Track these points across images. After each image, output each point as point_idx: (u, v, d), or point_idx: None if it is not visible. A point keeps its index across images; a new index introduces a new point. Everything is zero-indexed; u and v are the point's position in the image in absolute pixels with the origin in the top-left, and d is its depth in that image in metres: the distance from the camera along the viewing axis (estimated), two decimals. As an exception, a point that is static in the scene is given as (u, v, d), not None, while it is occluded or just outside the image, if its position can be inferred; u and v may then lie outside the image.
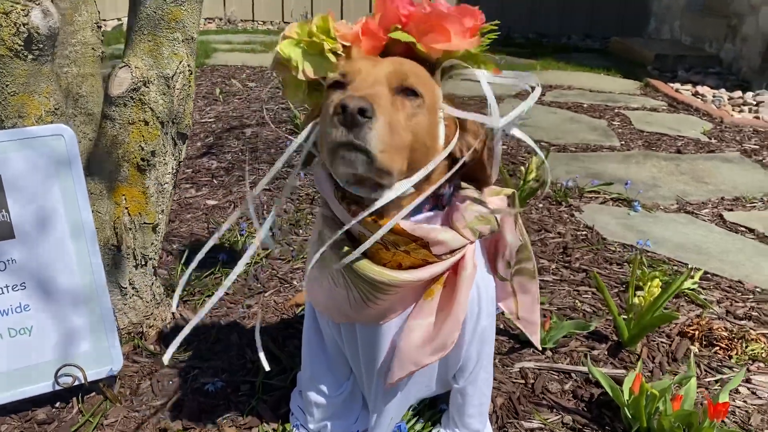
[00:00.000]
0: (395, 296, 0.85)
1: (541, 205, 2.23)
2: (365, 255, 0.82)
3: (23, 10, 1.03)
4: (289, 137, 2.68)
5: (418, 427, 1.08)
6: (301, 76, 0.82)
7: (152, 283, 1.34)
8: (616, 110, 3.72)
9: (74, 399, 1.16)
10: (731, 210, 2.31)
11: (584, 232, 2.03)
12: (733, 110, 3.85)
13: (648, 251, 1.90)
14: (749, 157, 2.95)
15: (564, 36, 6.68)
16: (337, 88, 0.79)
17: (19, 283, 1.09)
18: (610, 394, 1.15)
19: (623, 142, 3.10)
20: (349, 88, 0.76)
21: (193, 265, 0.90)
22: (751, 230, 2.14)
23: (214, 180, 2.25)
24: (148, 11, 1.15)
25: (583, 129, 3.30)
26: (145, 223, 1.25)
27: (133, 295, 1.30)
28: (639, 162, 2.81)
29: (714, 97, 4.17)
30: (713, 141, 3.20)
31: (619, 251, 1.91)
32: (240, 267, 0.85)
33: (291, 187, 0.85)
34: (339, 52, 0.81)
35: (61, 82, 1.25)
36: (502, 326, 1.47)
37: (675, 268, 1.82)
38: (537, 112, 3.56)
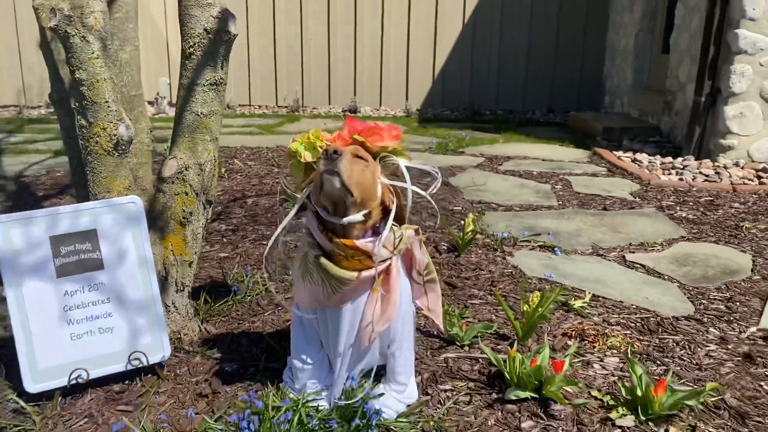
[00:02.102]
0: (351, 288, 1.45)
1: (480, 252, 2.84)
2: (333, 262, 1.42)
3: (114, 125, 1.66)
4: (283, 205, 3.31)
5: (367, 382, 1.65)
6: (302, 160, 1.45)
7: (187, 304, 1.93)
8: (560, 176, 4.39)
9: (137, 378, 1.73)
10: (633, 252, 2.92)
11: (510, 270, 2.63)
12: (662, 174, 4.51)
13: (555, 282, 2.50)
14: (663, 212, 3.58)
15: (529, 111, 7.46)
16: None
17: (105, 298, 1.69)
18: (495, 362, 1.73)
19: (560, 203, 3.74)
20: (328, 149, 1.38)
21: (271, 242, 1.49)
22: (644, 266, 2.74)
23: (224, 239, 2.86)
24: (188, 122, 1.79)
25: (529, 192, 3.95)
26: (184, 260, 1.85)
27: (173, 311, 1.88)
28: (569, 218, 3.44)
29: (649, 162, 4.85)
30: (637, 199, 3.84)
31: (534, 283, 2.51)
32: (280, 228, 1.45)
33: (287, 221, 1.46)
34: (324, 147, 1.44)
35: (127, 168, 1.88)
36: (434, 332, 2.05)
37: (575, 294, 2.41)
38: (492, 180, 4.22)
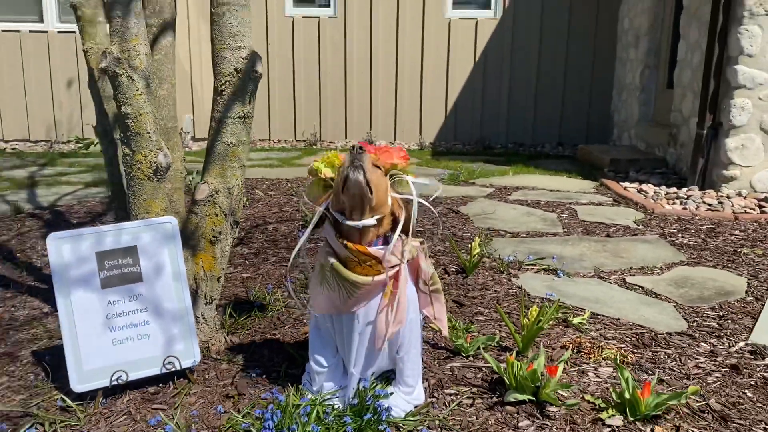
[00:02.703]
0: (364, 292, 1.63)
1: (487, 274, 3.01)
2: (348, 268, 1.61)
3: (155, 154, 1.88)
4: (301, 231, 3.51)
5: (378, 384, 1.81)
6: (322, 176, 1.65)
7: (214, 316, 2.11)
8: (567, 205, 4.55)
9: (170, 381, 1.91)
10: (633, 275, 3.07)
11: (515, 291, 2.79)
12: (667, 203, 4.67)
13: (556, 300, 2.65)
14: (665, 239, 3.73)
15: (539, 145, 7.66)
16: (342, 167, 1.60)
17: (144, 307, 1.88)
18: (495, 368, 1.89)
19: (566, 230, 3.90)
20: None
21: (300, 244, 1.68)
22: (642, 288, 2.89)
23: (246, 261, 3.06)
24: (218, 150, 2.00)
25: (536, 220, 4.12)
26: (213, 275, 2.04)
27: (203, 322, 2.07)
28: (573, 244, 3.60)
29: (654, 192, 5.01)
30: (640, 227, 3.99)
31: (537, 302, 2.66)
32: (308, 229, 1.64)
33: (309, 231, 1.66)
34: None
35: (163, 192, 2.09)
36: (442, 344, 2.21)
37: (575, 312, 2.56)
38: (500, 209, 4.40)
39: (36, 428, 1.70)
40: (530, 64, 7.53)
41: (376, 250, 1.60)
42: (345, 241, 1.61)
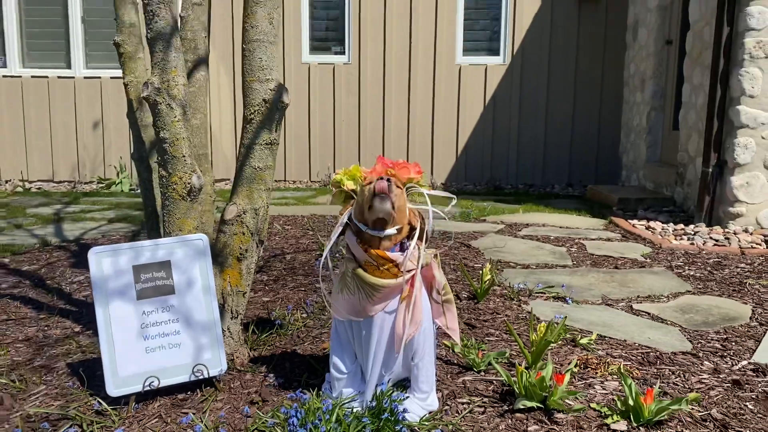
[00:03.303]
0: (382, 294, 1.76)
1: (497, 300, 3.11)
2: (366, 272, 1.74)
3: (189, 176, 2.04)
4: (318, 259, 3.64)
5: (395, 391, 1.92)
6: (345, 188, 1.79)
7: (239, 330, 2.24)
8: (576, 240, 4.67)
9: (198, 389, 2.03)
10: (640, 303, 3.17)
11: (525, 315, 2.90)
12: (674, 239, 4.77)
13: (566, 324, 2.75)
14: (672, 271, 3.83)
15: (548, 185, 7.82)
16: (368, 183, 1.74)
17: (175, 318, 2.01)
18: (505, 378, 1.99)
19: (575, 262, 4.01)
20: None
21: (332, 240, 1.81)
22: (649, 314, 2.98)
23: (266, 287, 3.19)
24: (246, 174, 2.16)
25: (545, 254, 4.23)
26: (239, 290, 2.18)
27: (228, 336, 2.19)
28: (582, 275, 3.71)
29: (662, 229, 5.12)
30: (648, 260, 4.09)
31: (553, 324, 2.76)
32: (334, 234, 1.78)
33: (335, 235, 1.81)
34: (363, 177, 1.80)
35: (193, 214, 2.24)
36: (455, 360, 2.32)
37: (583, 334, 2.66)
38: (511, 243, 4.52)
39: (74, 428, 1.82)
40: (539, 107, 7.75)
41: (393, 254, 1.74)
42: (366, 246, 1.74)
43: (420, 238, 1.78)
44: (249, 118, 2.13)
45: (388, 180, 1.69)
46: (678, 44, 6.27)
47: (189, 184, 2.03)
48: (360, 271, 1.74)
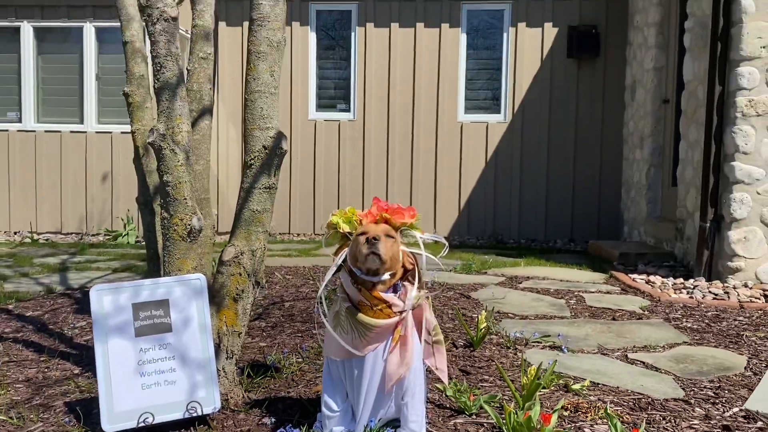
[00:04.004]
0: (375, 334, 1.81)
1: (494, 348, 3.14)
2: (360, 311, 1.79)
3: (189, 218, 2.12)
4: (318, 306, 3.68)
5: (385, 430, 1.94)
6: (340, 231, 1.87)
7: (234, 371, 2.28)
8: (575, 293, 4.69)
9: (191, 427, 2.05)
10: (636, 353, 3.18)
11: (520, 363, 2.91)
12: (673, 292, 4.79)
13: (559, 372, 2.77)
14: (669, 323, 3.84)
15: (551, 240, 7.87)
16: (361, 234, 1.82)
17: (171, 355, 2.06)
18: (494, 419, 2.01)
19: (573, 314, 4.03)
20: (368, 233, 1.80)
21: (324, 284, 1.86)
22: (643, 363, 2.99)
23: (264, 333, 3.23)
24: (245, 217, 2.25)
25: (544, 305, 4.26)
26: (234, 330, 2.23)
27: (223, 375, 2.23)
28: (579, 325, 3.73)
29: (662, 283, 5.14)
30: (646, 313, 4.11)
31: (542, 371, 2.78)
32: (329, 274, 1.83)
33: (330, 275, 1.87)
34: (358, 221, 1.87)
35: (193, 255, 2.32)
36: (447, 404, 2.34)
37: (576, 380, 2.67)
38: (510, 294, 4.55)
39: (67, 463, 1.85)
40: (540, 163, 7.88)
41: (387, 296, 1.80)
42: (359, 287, 1.81)
43: (413, 280, 1.84)
44: (249, 164, 2.23)
45: (375, 239, 1.76)
46: (674, 103, 6.44)
47: (189, 225, 2.11)
48: (353, 310, 1.80)
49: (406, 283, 1.86)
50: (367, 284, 1.81)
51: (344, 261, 1.87)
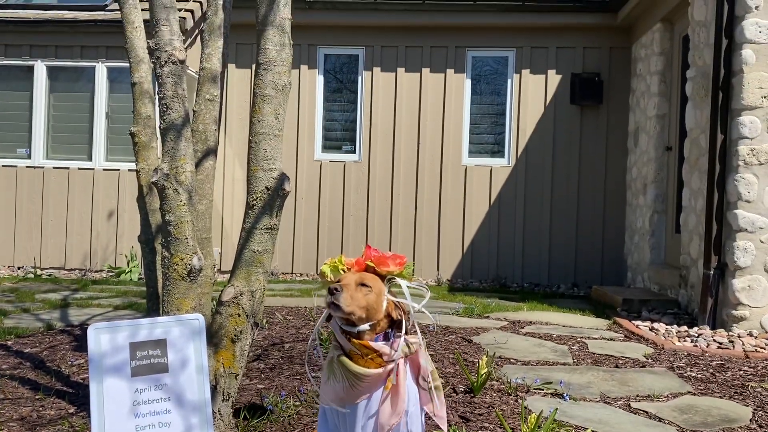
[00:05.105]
0: (366, 384, 1.79)
1: (494, 395, 3.09)
2: (351, 360, 1.78)
3: (190, 257, 2.13)
4: (318, 348, 3.65)
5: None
6: (328, 280, 1.86)
7: (230, 413, 2.25)
8: (578, 339, 4.65)
9: (185, 471, 2.02)
10: (639, 402, 3.13)
11: (520, 410, 2.87)
12: (677, 340, 4.74)
13: (561, 420, 2.73)
14: (673, 371, 3.79)
15: (554, 285, 7.83)
16: (333, 283, 1.81)
17: (167, 397, 2.04)
18: (493, 468, 1.97)
19: (575, 360, 3.98)
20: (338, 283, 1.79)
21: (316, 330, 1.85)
22: (647, 412, 2.95)
23: (262, 375, 3.20)
24: (246, 257, 2.25)
25: (547, 351, 4.22)
26: (231, 372, 2.21)
27: (218, 418, 2.21)
28: (582, 372, 3.68)
29: (666, 330, 5.09)
30: (649, 360, 4.06)
31: (542, 419, 2.74)
32: (317, 325, 1.82)
33: (320, 322, 1.85)
34: (345, 269, 1.87)
35: (193, 295, 2.31)
36: (445, 452, 2.30)
37: (577, 430, 2.63)
38: (512, 339, 4.51)
39: (57, 505, 1.81)
40: (543, 208, 7.90)
41: (377, 345, 1.78)
42: (348, 336, 1.79)
43: (401, 329, 1.83)
44: (251, 204, 2.25)
45: (336, 290, 1.75)
46: (677, 150, 6.48)
47: (190, 264, 2.12)
48: (344, 359, 1.79)
49: (399, 333, 1.84)
50: (353, 333, 1.80)
51: None
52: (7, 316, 4.83)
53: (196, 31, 7.82)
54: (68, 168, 8.08)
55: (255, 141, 2.25)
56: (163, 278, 2.15)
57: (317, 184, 8.09)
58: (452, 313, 5.55)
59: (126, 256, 7.89)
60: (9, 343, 3.92)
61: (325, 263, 1.91)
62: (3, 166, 8.11)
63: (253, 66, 7.59)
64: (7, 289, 6.31)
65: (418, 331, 1.89)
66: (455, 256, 7.96)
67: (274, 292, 6.51)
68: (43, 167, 8.09)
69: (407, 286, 1.87)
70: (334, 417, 1.91)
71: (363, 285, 1.80)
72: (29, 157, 8.13)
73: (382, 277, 1.88)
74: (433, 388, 1.96)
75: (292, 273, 8.09)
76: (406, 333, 1.86)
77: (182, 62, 2.11)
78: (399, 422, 1.83)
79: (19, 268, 8.02)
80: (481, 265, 7.93)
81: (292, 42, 2.25)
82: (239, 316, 2.20)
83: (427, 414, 2.01)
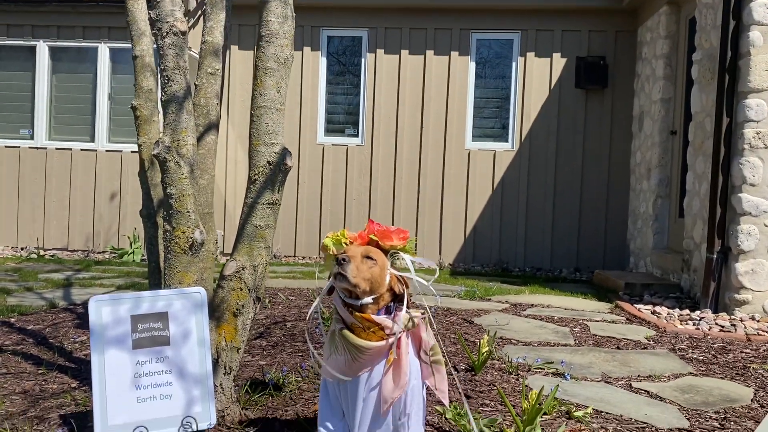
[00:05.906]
0: (368, 356, 1.78)
1: (496, 373, 3.10)
2: (354, 334, 1.77)
3: (192, 231, 2.12)
4: (319, 327, 3.66)
5: (380, 452, 1.91)
6: (332, 253, 1.85)
7: (231, 387, 2.25)
8: (580, 321, 4.64)
9: (186, 443, 2.03)
10: (640, 382, 3.13)
11: (521, 388, 2.87)
12: (679, 323, 4.73)
13: (561, 399, 2.73)
14: (675, 353, 3.79)
15: (556, 270, 7.83)
16: (337, 255, 1.81)
17: (168, 369, 2.04)
18: (493, 442, 1.97)
19: (577, 342, 3.98)
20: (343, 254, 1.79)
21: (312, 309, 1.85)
22: (648, 392, 2.95)
23: (264, 352, 3.20)
24: (248, 232, 2.24)
25: (548, 332, 4.22)
26: (233, 346, 2.21)
27: (220, 392, 2.21)
28: (583, 353, 3.68)
29: (668, 314, 5.09)
30: (651, 342, 4.06)
31: (543, 397, 2.74)
32: (319, 297, 1.82)
33: (322, 295, 1.85)
34: (348, 242, 1.86)
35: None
36: (447, 428, 2.30)
37: (579, 408, 2.63)
38: (514, 321, 4.51)
39: (59, 474, 1.82)
40: (546, 193, 7.88)
41: (379, 318, 1.78)
42: (351, 309, 1.79)
43: (403, 303, 1.82)
44: (253, 179, 2.23)
45: (343, 260, 1.74)
46: (682, 134, 6.44)
47: (191, 238, 2.11)
48: (346, 332, 1.79)
49: (400, 306, 1.84)
50: (355, 306, 1.79)
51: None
52: (10, 295, 4.84)
53: (199, 12, 7.77)
54: (71, 149, 8.07)
55: (257, 115, 2.23)
56: (165, 252, 2.14)
57: (320, 168, 8.07)
58: (454, 296, 5.55)
59: (129, 238, 7.89)
60: (12, 320, 3.93)
61: (327, 236, 1.90)
62: (6, 146, 8.11)
63: (255, 48, 7.46)
64: (11, 269, 6.33)
65: (424, 305, 1.89)
66: (458, 240, 7.96)
67: (277, 274, 6.52)
68: (45, 148, 8.08)
69: (411, 261, 1.87)
70: (335, 389, 1.91)
71: (368, 258, 1.79)
72: (32, 137, 8.12)
73: (385, 252, 1.87)
74: (433, 363, 1.96)
75: (294, 256, 8.10)
76: (407, 307, 1.85)
77: (184, 33, 2.09)
78: (402, 395, 1.83)
79: (22, 249, 8.04)
80: (484, 250, 7.93)
81: (294, 14, 2.23)
82: (241, 290, 2.20)
83: (428, 389, 2.01)
